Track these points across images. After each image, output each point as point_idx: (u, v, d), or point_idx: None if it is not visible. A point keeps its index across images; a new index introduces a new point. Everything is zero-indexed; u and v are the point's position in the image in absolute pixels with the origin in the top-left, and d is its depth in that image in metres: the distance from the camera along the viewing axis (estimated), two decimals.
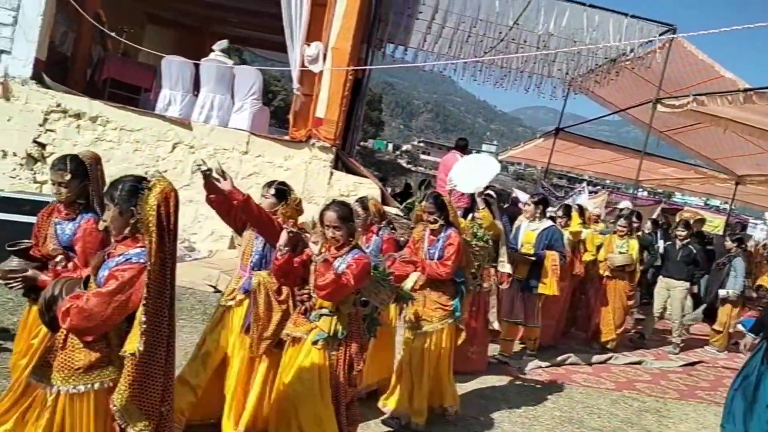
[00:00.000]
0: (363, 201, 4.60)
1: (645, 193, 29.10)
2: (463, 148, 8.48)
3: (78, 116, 7.98)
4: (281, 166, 8.21)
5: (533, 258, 5.90)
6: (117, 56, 10.12)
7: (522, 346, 6.47)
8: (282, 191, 3.73)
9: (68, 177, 3.11)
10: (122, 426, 2.22)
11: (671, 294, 7.71)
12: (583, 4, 9.39)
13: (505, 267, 5.48)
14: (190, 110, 8.41)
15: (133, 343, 2.17)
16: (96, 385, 2.28)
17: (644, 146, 10.31)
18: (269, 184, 3.80)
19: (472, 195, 5.53)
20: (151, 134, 8.07)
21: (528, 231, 6.14)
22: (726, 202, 17.72)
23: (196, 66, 8.48)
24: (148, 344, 2.19)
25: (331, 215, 3.13)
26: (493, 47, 10.66)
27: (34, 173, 7.89)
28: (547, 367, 6.17)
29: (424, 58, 11.70)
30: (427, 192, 4.38)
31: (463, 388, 5.04)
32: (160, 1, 12.76)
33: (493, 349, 6.00)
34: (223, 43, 8.64)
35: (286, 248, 3.05)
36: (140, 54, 10.93)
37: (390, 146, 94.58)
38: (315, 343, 3.11)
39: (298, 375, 3.11)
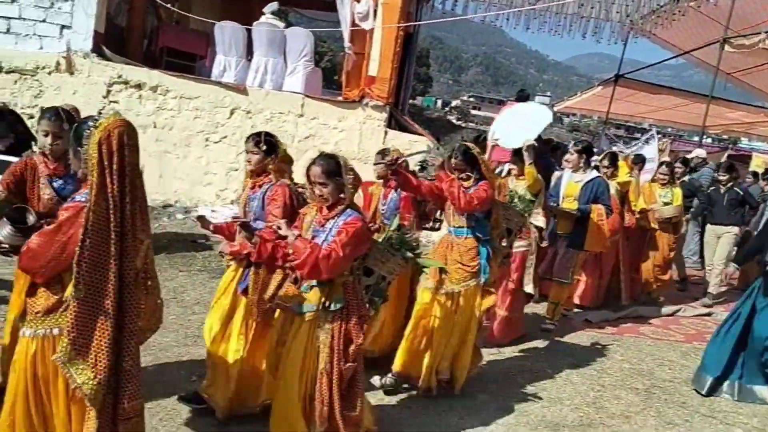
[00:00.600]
0: (384, 152, 4.42)
1: (709, 140, 27.83)
2: (525, 99, 8.26)
3: (139, 87, 8.19)
4: (336, 127, 8.24)
5: (577, 212, 5.35)
6: (171, 25, 10.27)
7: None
8: (271, 144, 3.41)
9: (67, 127, 2.95)
10: (65, 375, 2.12)
11: (720, 241, 7.30)
12: None
13: (538, 220, 4.88)
14: (244, 75, 8.50)
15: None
16: (55, 331, 2.21)
17: (711, 90, 9.82)
18: (254, 138, 3.43)
19: (518, 149, 4.87)
20: (208, 101, 8.22)
21: (571, 183, 5.59)
22: None
23: (248, 31, 8.53)
24: (90, 290, 2.09)
25: (316, 170, 2.82)
26: None
27: None
28: (614, 320, 6.10)
29: (474, 8, 11.39)
30: (454, 147, 3.88)
31: (528, 342, 5.07)
32: None
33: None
34: (274, 5, 8.62)
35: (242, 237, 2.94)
36: (191, 22, 11.06)
37: (439, 103, 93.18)
38: (302, 314, 2.88)
39: (285, 356, 2.91)
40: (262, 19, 8.52)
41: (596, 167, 5.91)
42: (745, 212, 7.49)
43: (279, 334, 3.02)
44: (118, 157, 2.13)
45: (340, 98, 8.47)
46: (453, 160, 3.93)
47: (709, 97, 9.80)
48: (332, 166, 2.82)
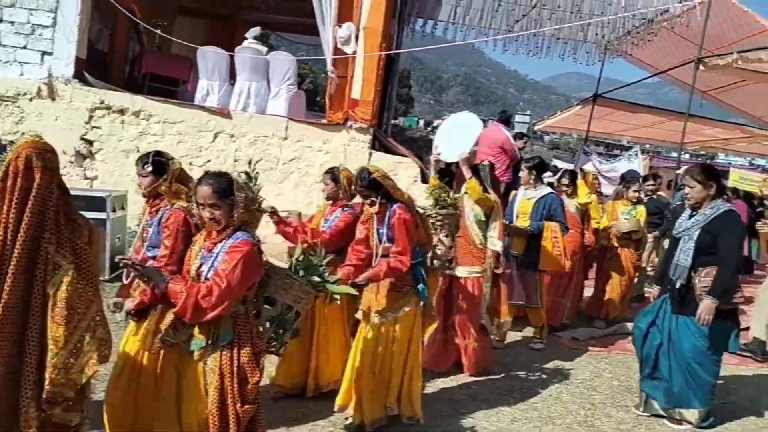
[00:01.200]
0: (333, 172, 4.24)
1: (687, 156, 28.33)
2: (507, 121, 8.37)
3: (122, 112, 8.16)
4: (320, 149, 8.27)
5: (530, 230, 5.24)
6: (153, 50, 10.29)
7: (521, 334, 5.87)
8: (159, 164, 3.13)
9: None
10: None
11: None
12: None
13: (496, 245, 4.55)
14: (227, 99, 8.52)
15: None
16: None
17: (688, 108, 10.00)
18: (141, 159, 3.21)
19: (475, 167, 4.62)
20: (192, 125, 8.21)
21: (523, 200, 5.51)
22: None
23: (231, 55, 8.57)
24: None
25: (205, 191, 2.54)
26: (525, 15, 10.45)
27: (84, 170, 8.14)
28: (601, 337, 6.14)
29: (453, 31, 11.55)
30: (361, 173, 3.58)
31: (517, 361, 5.09)
32: None
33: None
34: (256, 31, 8.70)
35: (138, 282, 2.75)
36: (173, 46, 11.09)
37: (421, 123, 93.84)
38: (191, 353, 2.58)
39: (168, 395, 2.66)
40: (245, 43, 8.58)
41: (551, 184, 5.95)
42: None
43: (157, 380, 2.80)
44: (23, 178, 2.10)
45: (324, 121, 8.52)
46: (355, 187, 3.74)
47: (686, 114, 9.99)
48: (223, 185, 2.57)
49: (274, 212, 3.99)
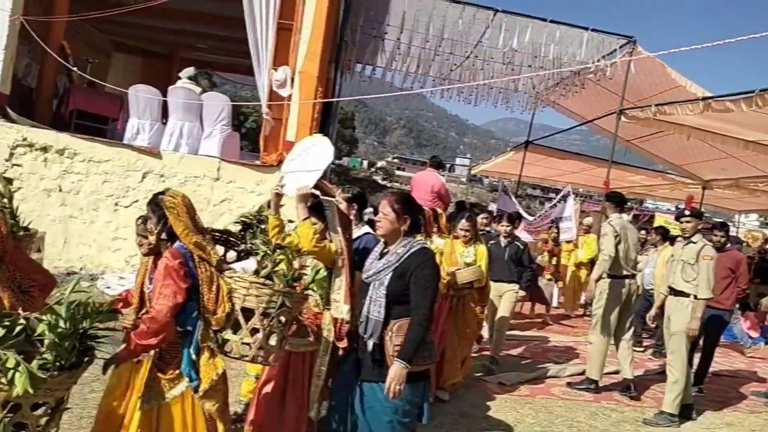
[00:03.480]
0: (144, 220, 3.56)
1: None
2: (439, 165, 8.54)
3: (45, 149, 7.88)
4: (253, 191, 8.18)
5: None
6: (83, 87, 10.03)
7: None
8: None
9: None
10: None
11: (502, 299, 6.55)
12: (544, 20, 9.61)
13: (342, 311, 3.24)
14: (158, 139, 8.36)
15: None
16: None
17: (611, 156, 10.50)
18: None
19: (318, 204, 3.55)
20: (119, 164, 8.00)
21: None
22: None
23: (164, 94, 8.46)
24: None
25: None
26: (459, 64, 10.83)
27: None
28: (526, 381, 6.20)
29: (392, 77, 11.83)
30: None
31: (440, 407, 5.05)
32: (126, 30, 12.72)
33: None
34: (190, 70, 8.64)
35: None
36: (107, 82, 10.88)
37: (365, 163, 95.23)
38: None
39: None
40: (179, 83, 8.50)
41: (370, 222, 4.58)
42: (524, 270, 6.77)
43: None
44: None
45: (258, 162, 8.45)
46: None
47: (609, 161, 10.47)
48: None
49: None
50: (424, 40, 10.15)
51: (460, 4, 9.51)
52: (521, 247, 6.74)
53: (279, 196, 3.54)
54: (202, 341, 2.68)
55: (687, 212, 5.88)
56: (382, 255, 3.12)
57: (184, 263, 2.63)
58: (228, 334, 2.69)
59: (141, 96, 8.41)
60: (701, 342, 6.54)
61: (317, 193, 3.50)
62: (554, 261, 10.00)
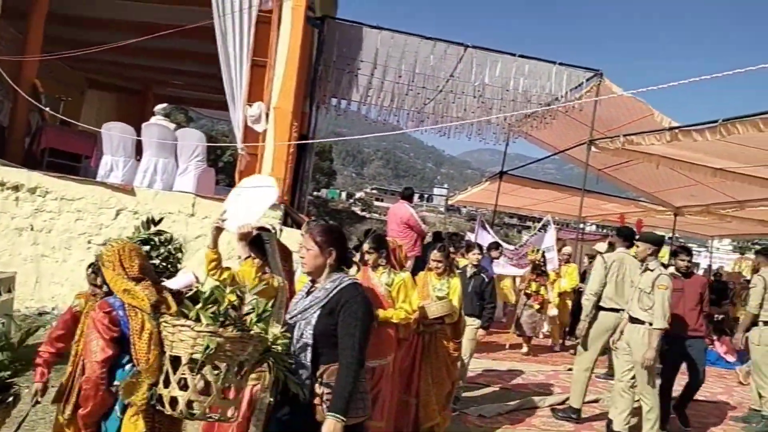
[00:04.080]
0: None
1: (594, 228, 30.02)
2: (410, 197, 8.63)
3: (16, 188, 7.79)
4: None
5: None
6: (55, 125, 9.97)
7: None
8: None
9: None
10: None
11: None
12: (513, 55, 9.85)
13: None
14: (132, 176, 8.32)
15: None
16: None
17: (583, 185, 10.70)
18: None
19: (257, 239, 3.56)
20: (92, 202, 7.92)
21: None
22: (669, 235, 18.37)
23: (138, 130, 8.44)
24: None
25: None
26: (433, 98, 11.01)
27: None
28: (507, 412, 6.18)
29: (367, 110, 11.97)
30: None
31: None
32: (100, 67, 12.73)
33: None
34: (164, 106, 8.65)
35: None
36: (81, 119, 10.83)
37: (343, 195, 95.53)
38: None
39: None
40: (152, 119, 8.50)
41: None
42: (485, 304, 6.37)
43: None
44: None
45: None
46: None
47: (582, 190, 10.66)
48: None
49: None
50: (397, 75, 10.32)
51: (432, 40, 9.72)
52: (486, 280, 6.44)
53: (219, 230, 3.57)
54: (126, 395, 2.45)
55: (637, 236, 5.95)
56: (308, 292, 2.84)
57: (110, 313, 2.55)
58: (161, 388, 2.36)
59: (114, 133, 8.38)
60: (686, 368, 6.30)
61: (256, 231, 3.48)
62: (542, 291, 9.79)
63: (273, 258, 3.38)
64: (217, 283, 3.03)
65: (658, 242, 5.72)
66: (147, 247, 3.19)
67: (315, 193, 61.80)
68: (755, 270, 7.72)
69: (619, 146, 9.00)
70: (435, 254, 5.31)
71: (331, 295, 2.71)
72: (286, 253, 3.48)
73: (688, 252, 6.57)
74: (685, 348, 6.03)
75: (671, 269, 6.31)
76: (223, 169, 25.53)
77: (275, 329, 2.56)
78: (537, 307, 9.63)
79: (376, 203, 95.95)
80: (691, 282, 6.22)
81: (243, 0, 8.10)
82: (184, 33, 8.54)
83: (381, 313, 4.14)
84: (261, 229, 3.60)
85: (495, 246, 10.15)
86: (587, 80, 10.02)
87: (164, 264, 3.26)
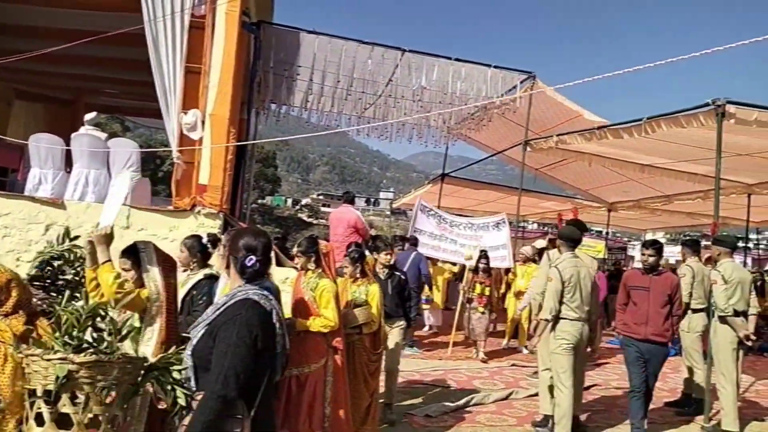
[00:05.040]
0: None
1: (535, 226, 30.78)
2: (351, 200, 8.65)
3: None
4: (166, 237, 7.94)
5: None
6: None
7: None
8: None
9: None
10: None
11: (389, 337, 5.76)
12: (449, 59, 10.02)
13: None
14: (62, 189, 8.00)
15: None
16: None
17: (521, 184, 10.99)
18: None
19: (132, 247, 3.52)
20: (20, 217, 7.58)
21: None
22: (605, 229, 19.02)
23: (68, 141, 8.14)
24: None
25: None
26: (373, 103, 11.07)
27: None
28: (452, 411, 6.26)
29: (309, 115, 11.92)
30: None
31: None
32: (28, 77, 12.20)
33: None
34: (93, 116, 8.36)
35: None
36: (8, 132, 10.36)
37: (289, 201, 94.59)
38: None
39: None
40: (82, 130, 8.19)
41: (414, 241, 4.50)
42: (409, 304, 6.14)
43: None
44: None
45: (170, 207, 8.24)
46: None
47: (519, 190, 10.94)
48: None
49: None
50: (336, 79, 10.32)
51: (369, 45, 9.78)
52: (402, 278, 6.06)
53: (93, 243, 3.25)
54: None
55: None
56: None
57: None
58: (24, 426, 2.17)
59: (42, 144, 8.05)
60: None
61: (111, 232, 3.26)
62: (487, 292, 9.49)
63: (146, 268, 3.19)
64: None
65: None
66: (59, 262, 3.13)
67: (260, 200, 60.95)
68: (683, 260, 8.07)
69: (552, 146, 9.30)
70: (347, 259, 5.02)
71: (218, 311, 2.30)
72: (170, 264, 3.23)
73: (655, 245, 5.72)
74: (642, 353, 5.52)
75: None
76: (163, 180, 24.91)
77: (150, 348, 2.46)
78: (481, 310, 9.41)
79: (323, 209, 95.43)
80: (660, 280, 5.60)
81: (174, 5, 7.95)
82: (116, 40, 8.28)
83: (299, 322, 4.13)
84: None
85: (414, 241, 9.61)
86: (521, 82, 10.27)
87: (77, 279, 3.18)
